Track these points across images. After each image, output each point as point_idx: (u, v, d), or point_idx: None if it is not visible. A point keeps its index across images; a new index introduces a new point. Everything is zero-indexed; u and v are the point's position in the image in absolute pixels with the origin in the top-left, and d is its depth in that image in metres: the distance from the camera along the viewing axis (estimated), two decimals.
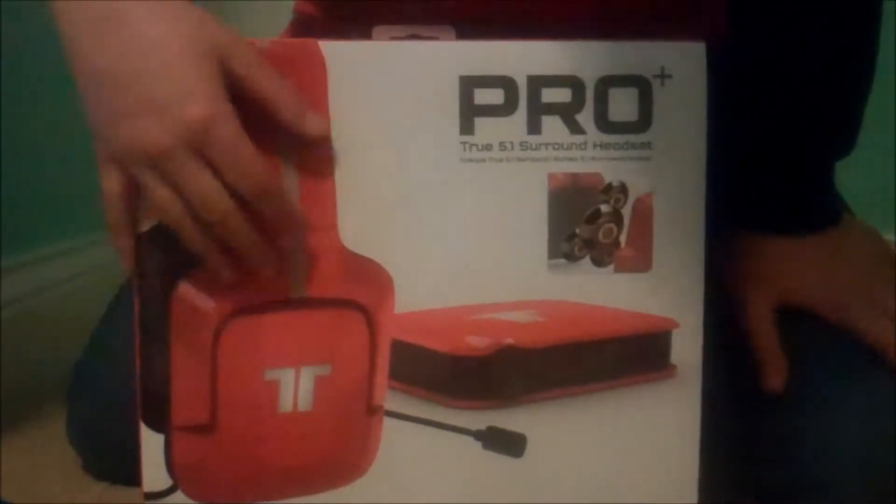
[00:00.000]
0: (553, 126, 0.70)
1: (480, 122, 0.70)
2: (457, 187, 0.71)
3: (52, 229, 1.35)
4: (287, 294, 0.70)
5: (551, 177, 0.71)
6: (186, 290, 0.69)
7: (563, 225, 0.71)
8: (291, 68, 0.68)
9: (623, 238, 0.72)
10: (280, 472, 0.71)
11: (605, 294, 0.72)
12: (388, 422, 0.72)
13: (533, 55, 0.70)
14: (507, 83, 0.70)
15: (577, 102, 0.70)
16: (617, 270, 0.72)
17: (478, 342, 0.72)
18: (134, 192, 0.67)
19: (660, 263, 0.72)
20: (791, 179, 0.82)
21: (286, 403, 0.71)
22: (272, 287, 0.69)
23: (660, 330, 0.73)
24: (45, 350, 1.17)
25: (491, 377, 0.72)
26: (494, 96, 0.70)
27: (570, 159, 0.71)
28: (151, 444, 0.71)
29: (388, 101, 0.70)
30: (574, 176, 0.71)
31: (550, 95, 0.70)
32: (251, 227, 0.66)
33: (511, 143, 0.70)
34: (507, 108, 0.70)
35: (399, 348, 0.71)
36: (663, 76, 0.70)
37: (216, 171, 0.64)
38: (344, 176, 0.70)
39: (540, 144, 0.70)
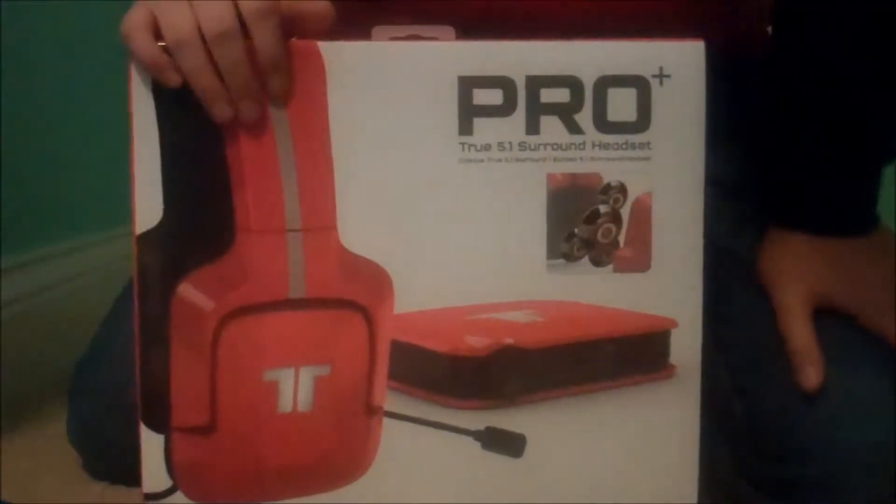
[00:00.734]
0: (552, 126, 0.70)
1: (479, 123, 0.70)
2: (456, 188, 0.71)
3: (52, 229, 1.35)
4: (286, 294, 0.70)
5: (550, 177, 0.71)
6: (186, 290, 0.69)
7: (561, 225, 0.71)
8: (291, 69, 0.69)
9: (622, 238, 0.72)
10: (280, 472, 0.71)
11: (604, 294, 0.72)
12: (387, 422, 0.72)
13: (532, 55, 0.70)
14: (505, 83, 0.70)
15: (576, 102, 0.70)
16: (616, 270, 0.72)
17: (477, 342, 0.72)
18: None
19: (658, 263, 0.72)
20: (838, 181, 0.82)
21: (286, 404, 0.71)
22: (272, 287, 0.69)
23: (659, 330, 0.73)
24: (45, 350, 1.17)
25: (490, 377, 0.72)
26: (493, 96, 0.70)
27: (569, 159, 0.71)
28: (151, 444, 0.71)
29: (386, 101, 0.70)
30: (573, 176, 0.71)
31: (549, 95, 0.70)
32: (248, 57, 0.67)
33: (510, 143, 0.70)
34: (506, 108, 0.70)
35: (398, 349, 0.71)
36: (662, 76, 0.70)
37: None
38: (343, 176, 0.70)
39: (539, 144, 0.70)
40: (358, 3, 0.85)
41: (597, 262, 0.72)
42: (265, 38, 0.67)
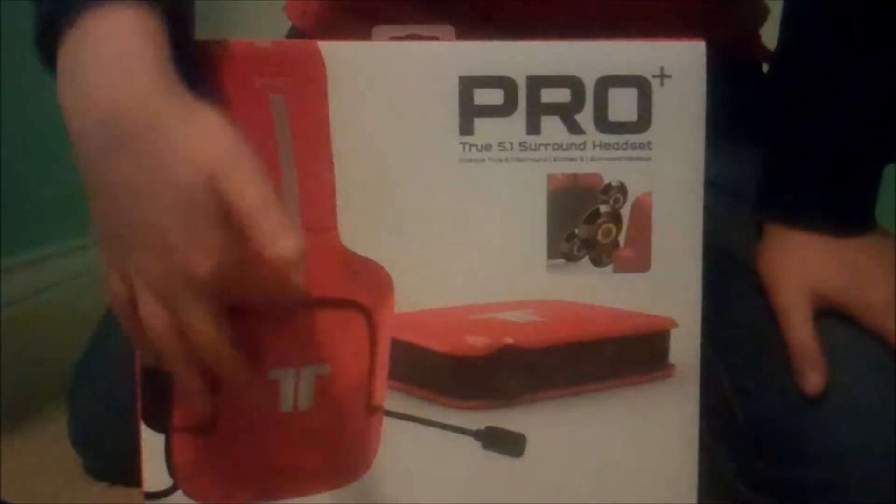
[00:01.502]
0: (552, 126, 0.70)
1: (480, 123, 0.70)
2: (456, 187, 0.71)
3: (52, 229, 1.35)
4: (287, 294, 0.70)
5: (550, 177, 0.71)
6: None
7: (562, 225, 0.71)
8: (291, 69, 0.69)
9: (622, 238, 0.72)
10: (280, 471, 0.71)
11: (604, 294, 0.72)
12: (387, 422, 0.72)
13: (532, 55, 0.70)
14: (506, 83, 0.70)
15: (577, 102, 0.70)
16: (616, 270, 0.72)
17: (477, 342, 0.72)
18: None
19: (658, 263, 0.72)
20: (840, 180, 0.82)
21: (286, 403, 0.71)
22: (272, 287, 0.69)
23: (658, 329, 0.73)
24: (45, 350, 1.17)
25: (490, 377, 0.72)
26: (494, 96, 0.70)
27: (570, 159, 0.71)
28: (152, 444, 0.71)
29: (387, 101, 0.70)
30: (573, 176, 0.71)
31: (550, 95, 0.70)
32: (237, 355, 0.65)
33: (510, 143, 0.71)
34: (507, 108, 0.70)
35: (399, 348, 0.71)
36: (663, 76, 0.70)
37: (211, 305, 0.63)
38: (344, 176, 0.70)
39: (539, 144, 0.71)
40: (359, 2, 0.86)
41: (597, 262, 0.72)
42: (198, 328, 0.63)
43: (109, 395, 0.85)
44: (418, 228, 0.71)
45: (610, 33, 0.71)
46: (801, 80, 0.83)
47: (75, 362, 0.93)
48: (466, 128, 0.70)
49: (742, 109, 0.88)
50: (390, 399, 0.72)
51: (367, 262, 0.70)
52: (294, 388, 0.71)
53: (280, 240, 0.60)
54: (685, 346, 0.72)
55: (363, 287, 0.71)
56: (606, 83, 0.70)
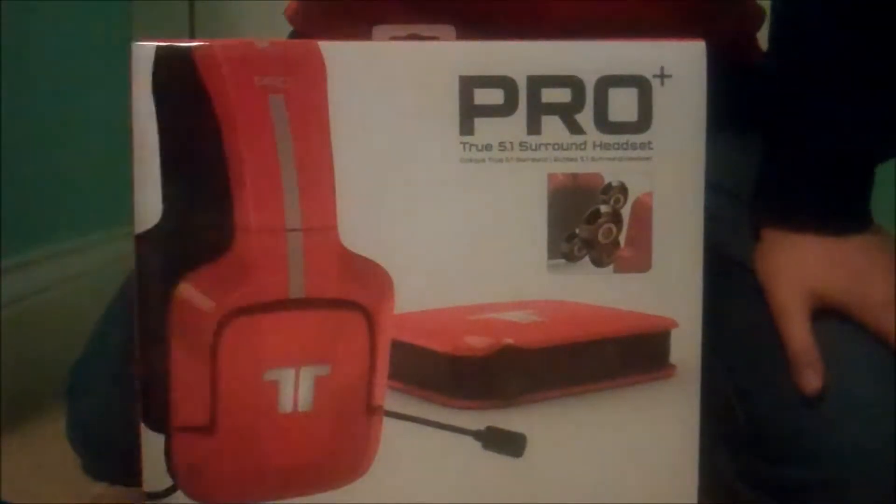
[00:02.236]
0: (553, 126, 0.70)
1: (480, 123, 0.70)
2: (457, 187, 0.71)
3: (52, 229, 1.35)
4: (287, 294, 0.70)
5: (551, 177, 0.71)
6: (186, 290, 0.69)
7: (562, 225, 0.71)
8: (291, 69, 0.69)
9: (622, 238, 0.72)
10: (280, 472, 0.71)
11: (605, 294, 0.72)
12: (387, 422, 0.72)
13: (533, 55, 0.70)
14: (506, 83, 0.70)
15: (577, 102, 0.70)
16: (616, 270, 0.72)
17: (477, 342, 0.72)
18: None
19: (659, 263, 0.72)
20: (833, 180, 0.82)
21: (286, 404, 0.71)
22: (272, 287, 0.69)
23: (659, 330, 0.73)
24: (45, 350, 1.17)
25: (490, 377, 0.72)
26: (494, 96, 0.70)
27: (570, 159, 0.71)
28: (152, 444, 0.71)
29: (387, 101, 0.70)
30: (574, 176, 0.71)
31: (550, 95, 0.70)
32: None
33: (511, 143, 0.71)
34: (507, 108, 0.70)
35: (399, 348, 0.71)
36: (663, 76, 0.70)
37: None
38: (344, 176, 0.70)
39: (540, 144, 0.71)
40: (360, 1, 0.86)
41: (597, 263, 0.72)
42: None
43: (108, 396, 0.85)
44: (418, 228, 0.71)
45: (609, 34, 0.71)
46: (792, 79, 0.84)
47: (73, 363, 0.93)
48: (467, 128, 0.70)
49: (739, 111, 0.88)
50: (390, 399, 0.72)
51: (366, 262, 0.70)
52: (293, 389, 0.71)
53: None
54: (686, 347, 0.72)
55: (363, 287, 0.71)
56: (607, 83, 0.70)
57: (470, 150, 0.70)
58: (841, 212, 0.83)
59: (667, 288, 0.72)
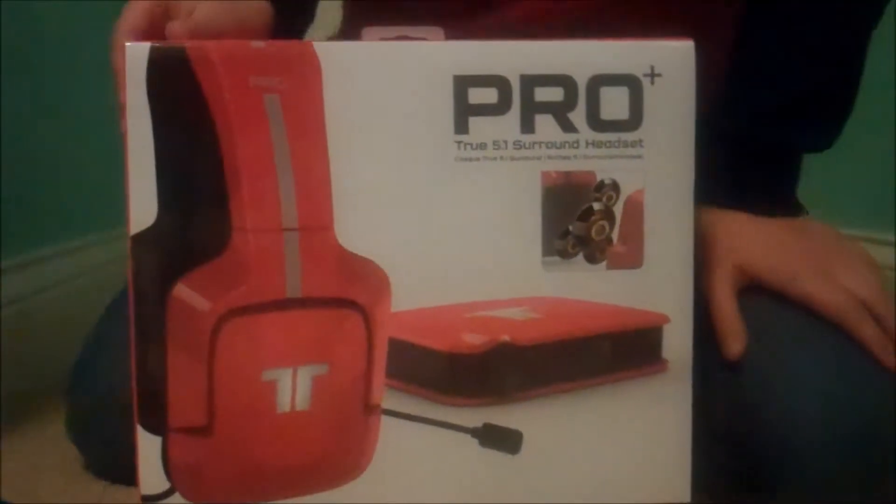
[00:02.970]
0: (546, 125, 0.71)
1: (475, 122, 0.71)
2: (452, 186, 0.71)
3: (52, 229, 1.35)
4: (283, 294, 0.70)
5: (545, 175, 0.71)
6: (183, 290, 0.69)
7: (556, 223, 0.72)
8: (286, 69, 0.69)
9: (615, 235, 0.72)
10: (278, 472, 0.72)
11: (598, 290, 0.72)
12: (385, 420, 0.72)
13: (526, 55, 0.70)
14: (500, 82, 0.70)
15: (570, 101, 0.70)
16: (609, 267, 0.72)
17: (474, 339, 0.72)
18: None
19: (651, 259, 0.72)
20: (764, 166, 0.88)
21: (284, 403, 0.71)
22: (269, 287, 0.69)
23: (652, 325, 0.73)
24: (45, 350, 1.17)
25: (487, 374, 0.73)
26: (488, 95, 0.70)
27: (563, 157, 0.71)
28: (148, 446, 0.71)
29: (382, 101, 0.70)
30: (567, 174, 0.71)
31: (543, 94, 0.70)
32: None
33: (505, 141, 0.71)
34: (501, 107, 0.71)
35: (396, 347, 0.72)
36: (653, 75, 0.71)
37: None
38: (339, 175, 0.70)
39: (533, 143, 0.71)
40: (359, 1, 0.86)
41: (591, 259, 0.72)
42: None
43: (108, 393, 0.85)
44: (414, 227, 0.71)
45: (601, 33, 0.71)
46: (741, 76, 0.88)
47: (74, 361, 0.93)
48: (461, 127, 0.71)
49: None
50: (388, 397, 0.72)
51: (363, 261, 0.71)
52: (291, 388, 0.71)
53: None
54: (678, 342, 0.73)
55: (360, 286, 0.71)
56: (598, 82, 0.70)
57: (465, 148, 0.71)
58: (769, 195, 0.87)
59: (659, 284, 0.72)
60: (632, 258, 0.72)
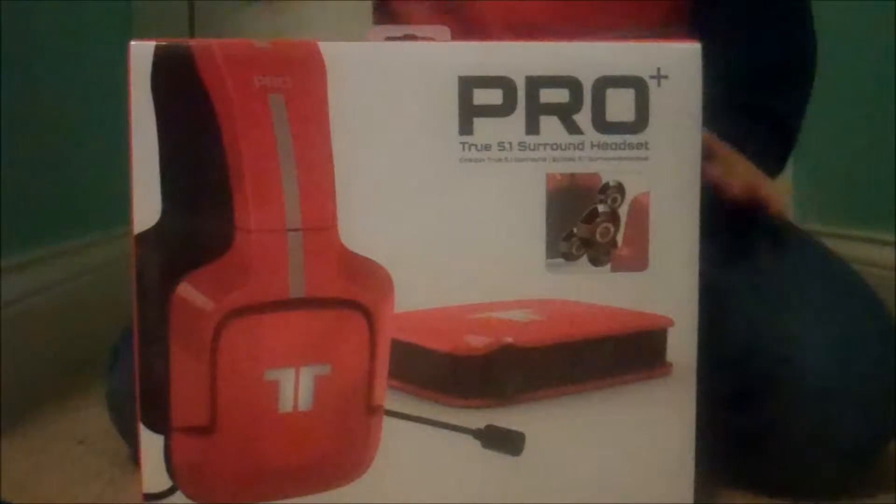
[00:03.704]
0: (551, 126, 0.71)
1: (479, 123, 0.71)
2: (456, 187, 0.71)
3: (52, 229, 1.35)
4: (287, 294, 0.70)
5: (549, 177, 0.71)
6: (186, 290, 0.69)
7: (560, 225, 0.72)
8: (291, 69, 0.69)
9: (620, 237, 0.72)
10: (280, 472, 0.72)
11: (603, 293, 0.72)
12: (387, 421, 0.72)
13: (531, 56, 0.70)
14: (505, 84, 0.70)
15: (575, 103, 0.70)
16: (614, 269, 0.72)
17: (477, 341, 0.72)
18: None
19: (655, 262, 0.72)
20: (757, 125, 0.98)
21: (286, 403, 0.71)
22: (272, 287, 0.69)
23: (656, 328, 0.73)
24: (45, 350, 1.17)
25: (490, 376, 0.72)
26: (493, 97, 0.70)
27: (568, 159, 0.71)
28: (151, 444, 0.71)
29: (387, 101, 0.70)
30: (572, 176, 0.71)
31: (548, 96, 0.70)
32: None
33: (510, 143, 0.71)
34: (506, 108, 0.71)
35: (399, 348, 0.72)
36: (659, 77, 0.71)
37: None
38: (344, 176, 0.70)
39: (538, 144, 0.71)
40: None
41: (595, 262, 0.72)
42: None
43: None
44: (418, 228, 0.71)
45: (607, 35, 0.71)
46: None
47: (112, 345, 0.94)
48: (466, 128, 0.71)
49: None
50: (390, 398, 0.72)
51: (367, 261, 0.71)
52: (294, 389, 0.71)
53: None
54: (682, 345, 0.73)
55: (363, 287, 0.71)
56: (604, 84, 0.70)
57: (469, 149, 0.71)
58: (760, 147, 0.96)
59: (663, 286, 0.72)
60: (636, 261, 0.72)
